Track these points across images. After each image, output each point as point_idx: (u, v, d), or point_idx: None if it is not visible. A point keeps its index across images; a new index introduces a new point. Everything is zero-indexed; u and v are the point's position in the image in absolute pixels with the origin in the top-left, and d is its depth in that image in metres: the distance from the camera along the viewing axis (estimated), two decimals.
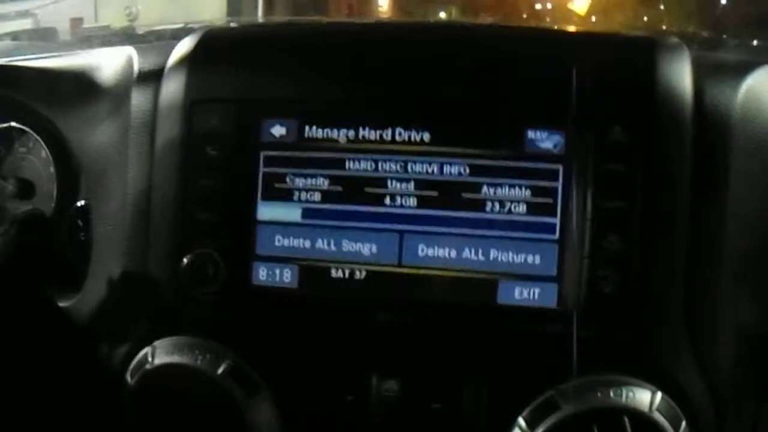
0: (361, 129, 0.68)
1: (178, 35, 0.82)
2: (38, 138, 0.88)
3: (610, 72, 0.66)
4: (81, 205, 0.86)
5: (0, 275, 0.70)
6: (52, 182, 0.88)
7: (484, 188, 0.66)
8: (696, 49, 0.72)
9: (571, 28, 0.84)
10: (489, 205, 0.66)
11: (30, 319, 0.69)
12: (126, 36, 1.32)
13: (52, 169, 0.88)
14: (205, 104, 0.71)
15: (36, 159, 0.90)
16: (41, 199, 0.88)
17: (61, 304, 0.77)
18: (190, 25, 0.99)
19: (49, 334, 0.70)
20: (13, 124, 0.90)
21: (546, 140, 0.65)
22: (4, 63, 0.88)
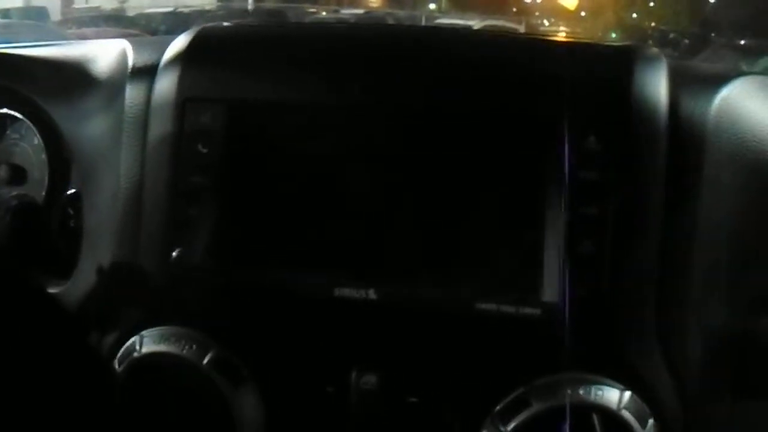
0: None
1: (168, 19, 0.81)
2: (30, 125, 0.88)
3: (586, 82, 0.67)
4: (72, 193, 0.87)
5: None
6: (44, 169, 0.88)
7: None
8: (677, 57, 0.73)
9: (551, 36, 0.84)
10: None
11: (19, 304, 0.69)
12: (116, 18, 1.31)
13: (43, 156, 0.88)
14: (197, 102, 0.72)
15: (28, 146, 0.90)
16: (32, 185, 0.89)
17: (50, 291, 0.77)
18: (180, 9, 0.99)
19: (37, 320, 0.71)
20: (4, 110, 0.91)
21: (524, 148, 0.67)
22: None
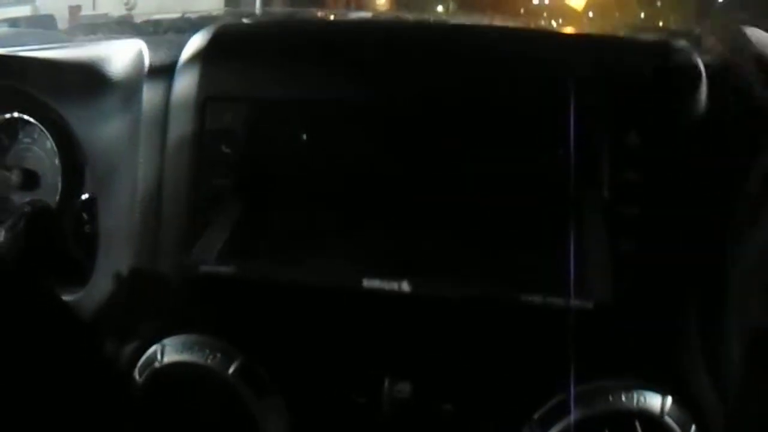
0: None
1: (176, 25, 0.80)
2: (43, 129, 0.87)
3: (623, 78, 0.65)
4: (86, 198, 0.85)
5: (7, 269, 0.69)
6: (57, 174, 0.86)
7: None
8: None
9: (581, 31, 0.83)
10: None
11: (35, 313, 0.68)
12: (124, 25, 1.30)
13: (57, 161, 0.87)
14: (219, 101, 0.70)
15: (41, 150, 0.89)
16: (46, 190, 0.87)
17: (65, 298, 0.75)
18: (187, 15, 0.98)
19: (53, 328, 0.69)
20: (17, 114, 0.89)
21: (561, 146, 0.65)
22: (9, 53, 0.87)
